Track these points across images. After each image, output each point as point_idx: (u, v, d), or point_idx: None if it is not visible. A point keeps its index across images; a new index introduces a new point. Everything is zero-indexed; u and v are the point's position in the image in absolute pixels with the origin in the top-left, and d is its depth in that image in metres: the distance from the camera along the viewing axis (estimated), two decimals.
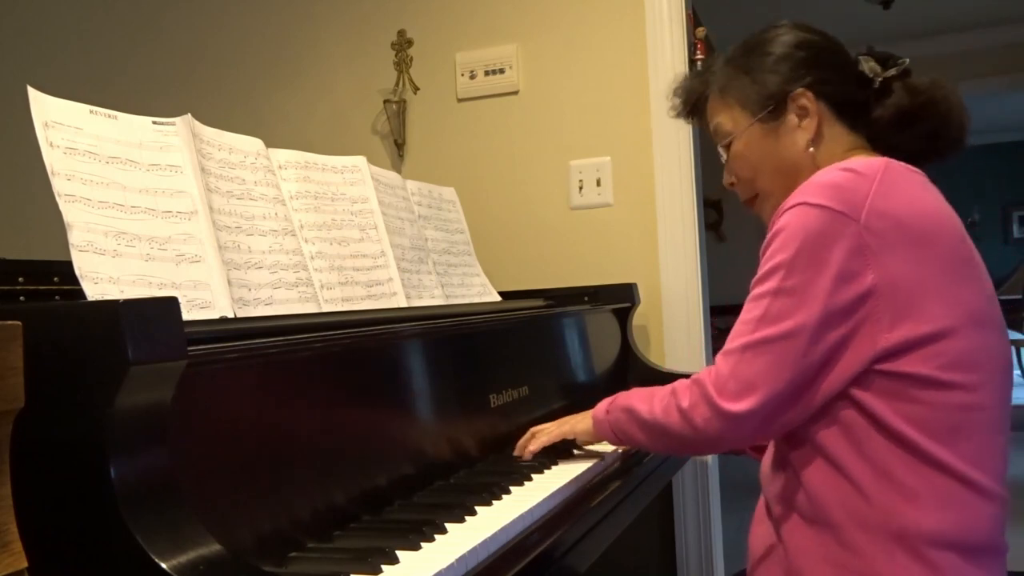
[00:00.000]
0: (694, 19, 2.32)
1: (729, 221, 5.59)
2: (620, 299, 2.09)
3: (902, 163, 1.13)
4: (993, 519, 1.05)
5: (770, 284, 1.07)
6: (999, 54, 4.92)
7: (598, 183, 2.26)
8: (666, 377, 2.07)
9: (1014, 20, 4.83)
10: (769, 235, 1.11)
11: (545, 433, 1.38)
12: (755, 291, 1.10)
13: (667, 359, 2.19)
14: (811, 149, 1.22)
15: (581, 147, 2.29)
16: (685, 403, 1.12)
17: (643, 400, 1.22)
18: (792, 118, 1.23)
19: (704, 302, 2.21)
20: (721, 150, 1.32)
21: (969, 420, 1.05)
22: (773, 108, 1.23)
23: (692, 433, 1.11)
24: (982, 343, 1.07)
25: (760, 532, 1.21)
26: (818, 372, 1.05)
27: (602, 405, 1.31)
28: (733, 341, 1.10)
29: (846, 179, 1.07)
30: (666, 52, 2.18)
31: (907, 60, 1.24)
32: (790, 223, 1.07)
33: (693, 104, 1.38)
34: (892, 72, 1.22)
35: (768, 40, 1.26)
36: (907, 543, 1.02)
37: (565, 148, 2.30)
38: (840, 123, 1.23)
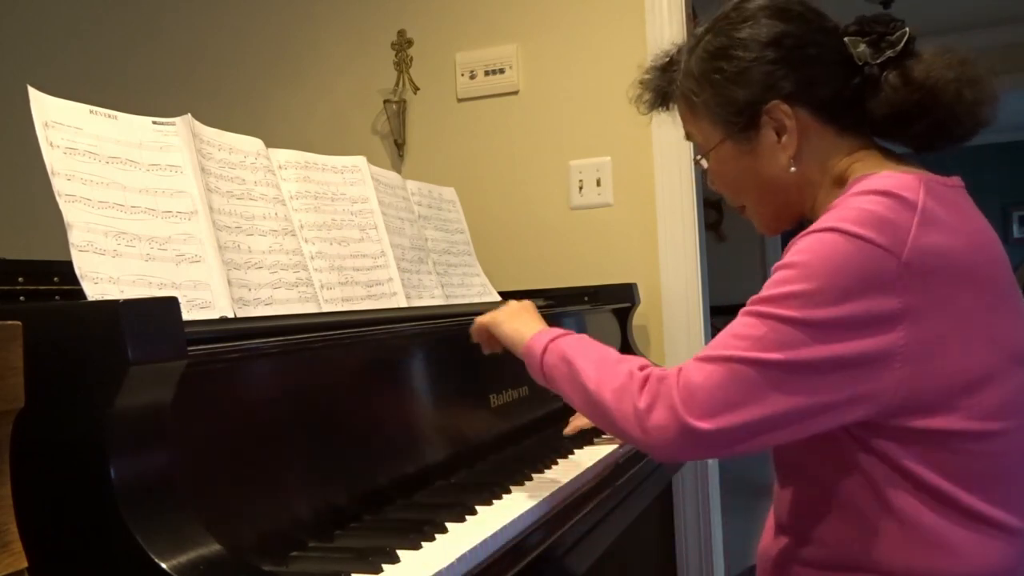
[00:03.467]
0: (694, 18, 2.32)
1: (729, 221, 5.57)
2: (620, 299, 2.09)
3: (938, 178, 1.00)
4: (1020, 557, 0.97)
5: (781, 310, 0.92)
6: (999, 54, 4.92)
7: (598, 183, 2.26)
8: None
9: (1014, 20, 4.83)
10: (790, 255, 0.96)
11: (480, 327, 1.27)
12: (759, 307, 0.94)
13: (667, 359, 2.19)
14: (793, 168, 1.07)
15: (581, 147, 2.29)
16: (642, 402, 0.96)
17: (591, 362, 1.04)
18: (769, 134, 1.07)
19: (704, 302, 2.21)
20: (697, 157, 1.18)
21: (1003, 464, 0.96)
22: (744, 125, 1.08)
23: (638, 433, 0.96)
24: (1022, 382, 0.96)
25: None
26: (810, 413, 0.92)
27: (541, 337, 1.13)
28: (717, 350, 0.95)
29: (887, 207, 0.93)
30: None
31: (907, 30, 1.05)
32: (819, 251, 0.93)
33: (663, 97, 1.22)
34: (888, 55, 1.04)
35: (735, 40, 1.07)
36: None
37: (565, 148, 2.30)
38: (830, 127, 1.07)
